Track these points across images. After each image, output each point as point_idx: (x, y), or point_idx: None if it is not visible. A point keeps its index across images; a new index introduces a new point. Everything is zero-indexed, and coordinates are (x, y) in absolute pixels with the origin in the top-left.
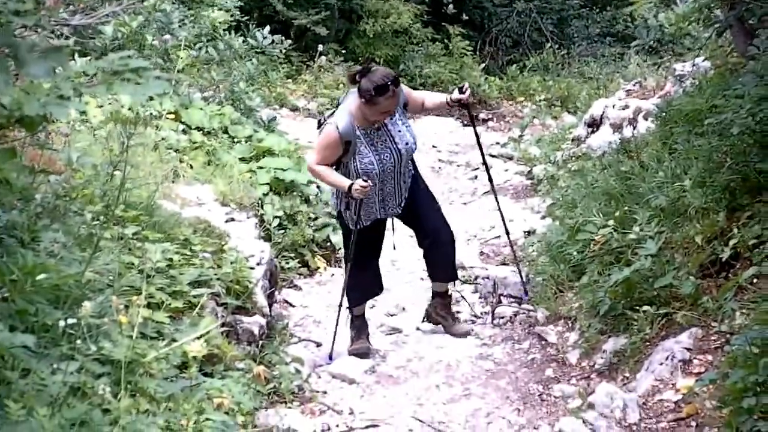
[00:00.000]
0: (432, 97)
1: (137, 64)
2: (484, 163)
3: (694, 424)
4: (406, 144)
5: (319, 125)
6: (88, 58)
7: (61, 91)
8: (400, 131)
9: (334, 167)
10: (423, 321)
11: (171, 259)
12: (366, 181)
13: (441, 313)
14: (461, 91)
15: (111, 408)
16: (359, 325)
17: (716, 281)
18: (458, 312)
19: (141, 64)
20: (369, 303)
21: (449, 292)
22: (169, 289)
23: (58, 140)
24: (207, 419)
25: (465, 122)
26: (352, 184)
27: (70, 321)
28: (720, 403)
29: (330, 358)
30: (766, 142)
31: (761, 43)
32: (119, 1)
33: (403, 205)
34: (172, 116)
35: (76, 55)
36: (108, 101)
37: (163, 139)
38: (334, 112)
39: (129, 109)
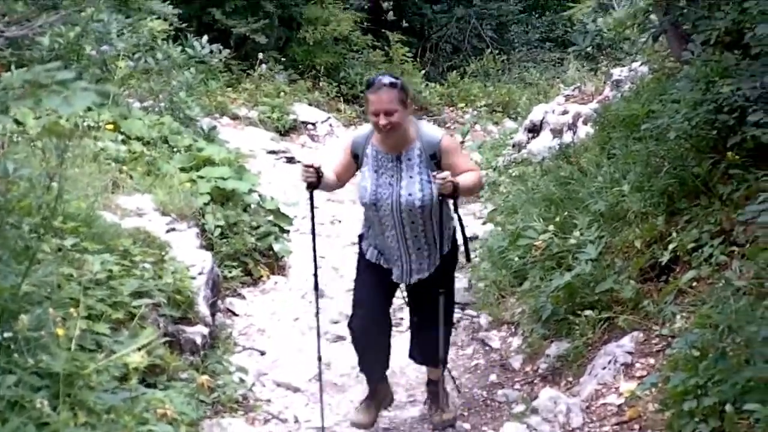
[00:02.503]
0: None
1: (64, 76)
2: (464, 234)
3: (637, 427)
4: (409, 195)
5: None
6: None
7: None
8: (411, 177)
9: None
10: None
11: (111, 270)
12: (312, 162)
13: (429, 398)
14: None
15: (50, 421)
16: (370, 391)
17: (656, 285)
18: (401, 319)
19: (67, 76)
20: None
21: (435, 379)
22: (109, 300)
23: None
24: (150, 430)
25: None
26: None
27: (7, 335)
28: (662, 406)
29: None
30: (703, 147)
31: (695, 48)
32: (56, 12)
33: (410, 282)
34: (111, 126)
35: (12, 67)
36: (46, 112)
37: (102, 149)
38: None
39: (66, 120)
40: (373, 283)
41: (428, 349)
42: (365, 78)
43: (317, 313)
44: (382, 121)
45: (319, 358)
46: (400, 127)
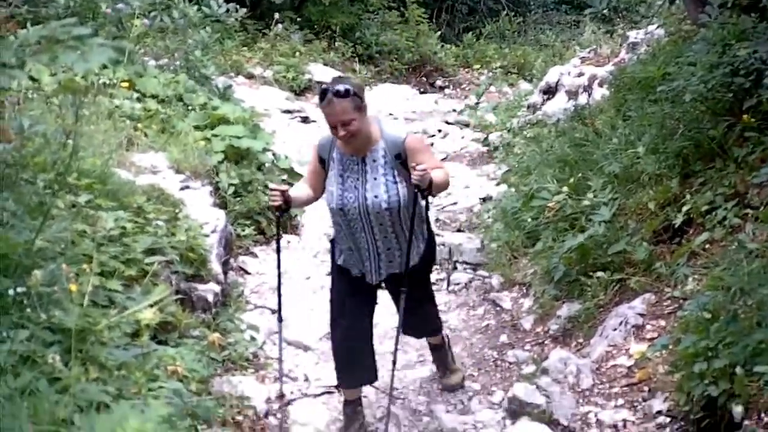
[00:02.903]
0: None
1: (80, 32)
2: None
3: (646, 388)
4: (375, 197)
5: None
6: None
7: (3, 59)
8: (376, 179)
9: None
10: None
11: (124, 227)
12: (278, 186)
13: (435, 362)
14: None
15: (62, 376)
16: (348, 414)
17: (669, 247)
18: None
19: (84, 32)
20: (325, 270)
21: (438, 344)
22: (122, 257)
23: (9, 108)
24: (160, 386)
25: (421, 90)
26: None
27: (20, 289)
28: (672, 368)
29: None
30: (718, 109)
31: (712, 11)
32: None
33: (381, 278)
34: (126, 84)
35: (28, 24)
36: (61, 69)
37: (117, 107)
38: None
39: (82, 77)
40: (350, 291)
41: (420, 325)
42: (380, 38)
43: (279, 335)
44: (341, 132)
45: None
46: (360, 133)
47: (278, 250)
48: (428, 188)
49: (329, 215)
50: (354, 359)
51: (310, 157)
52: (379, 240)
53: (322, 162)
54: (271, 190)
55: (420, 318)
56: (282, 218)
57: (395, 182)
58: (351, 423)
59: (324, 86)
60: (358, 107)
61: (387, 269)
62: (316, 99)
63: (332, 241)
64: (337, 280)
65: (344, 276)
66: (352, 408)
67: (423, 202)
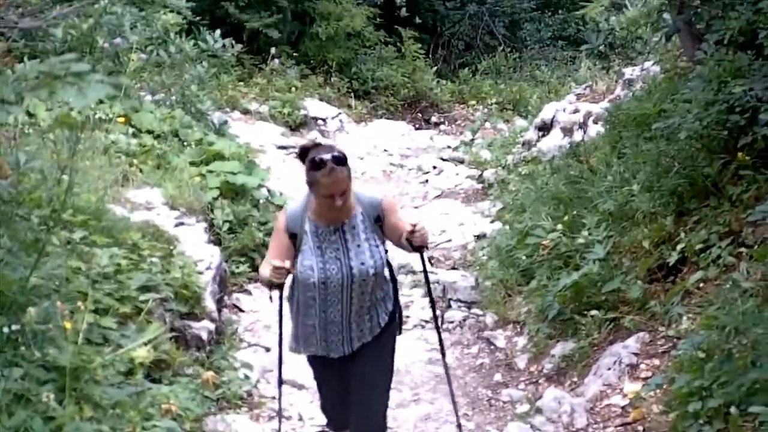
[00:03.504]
0: (401, 219)
1: (79, 68)
2: (436, 322)
3: (641, 428)
4: (362, 264)
5: None
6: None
7: (1, 95)
8: (359, 246)
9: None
10: None
11: (119, 264)
12: (282, 262)
13: None
14: (411, 233)
15: (56, 415)
16: None
17: (663, 285)
18: (407, 317)
19: (83, 68)
20: None
21: None
22: (117, 294)
23: (5, 144)
24: (154, 426)
25: (416, 126)
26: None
27: (14, 327)
28: (666, 408)
29: None
30: (713, 147)
31: (708, 48)
32: (69, 3)
33: (350, 352)
34: (122, 119)
35: (26, 58)
36: (57, 105)
37: (112, 142)
38: None
39: (78, 112)
40: (323, 382)
41: (367, 410)
42: (377, 74)
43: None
44: (338, 201)
45: None
46: (349, 200)
47: (281, 334)
48: (426, 245)
49: (297, 292)
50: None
51: (276, 230)
52: (355, 307)
53: (293, 237)
54: (277, 268)
55: (372, 399)
56: (282, 293)
57: (377, 246)
58: None
59: (319, 156)
60: (350, 174)
61: (359, 339)
62: (311, 135)
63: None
64: (318, 376)
65: (314, 364)
66: None
67: (417, 258)
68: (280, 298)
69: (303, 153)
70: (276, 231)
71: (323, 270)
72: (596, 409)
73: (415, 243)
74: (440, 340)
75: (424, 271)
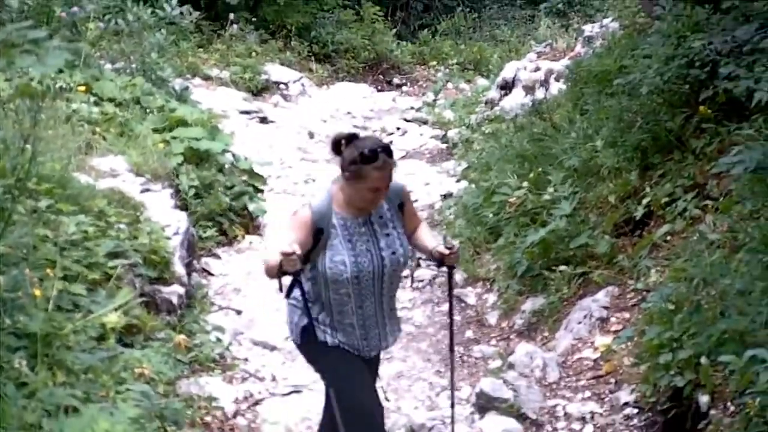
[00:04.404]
0: (424, 233)
1: (36, 35)
2: (451, 346)
3: (612, 380)
4: (393, 253)
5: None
6: None
7: None
8: (388, 234)
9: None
10: None
11: (86, 231)
12: (290, 246)
13: None
14: (448, 249)
15: (28, 381)
16: None
17: (631, 239)
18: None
19: (40, 35)
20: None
21: None
22: (85, 261)
23: None
24: (127, 389)
25: (378, 88)
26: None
27: None
28: (637, 360)
29: None
30: (675, 102)
31: (666, 3)
32: None
33: (387, 346)
34: (83, 88)
35: None
36: (17, 74)
37: (74, 111)
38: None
39: (39, 82)
40: (359, 373)
41: None
42: (336, 37)
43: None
44: (383, 197)
45: None
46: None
47: (309, 315)
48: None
49: (325, 291)
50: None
51: (297, 224)
52: (386, 300)
53: (319, 232)
54: (287, 254)
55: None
56: (301, 280)
57: (403, 233)
58: None
59: (370, 148)
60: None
61: (391, 334)
62: (273, 99)
63: (306, 328)
64: (338, 364)
65: (344, 356)
66: None
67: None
68: (300, 284)
69: (339, 144)
70: (294, 224)
71: (355, 264)
72: (568, 362)
73: (448, 263)
74: (451, 338)
75: (450, 289)
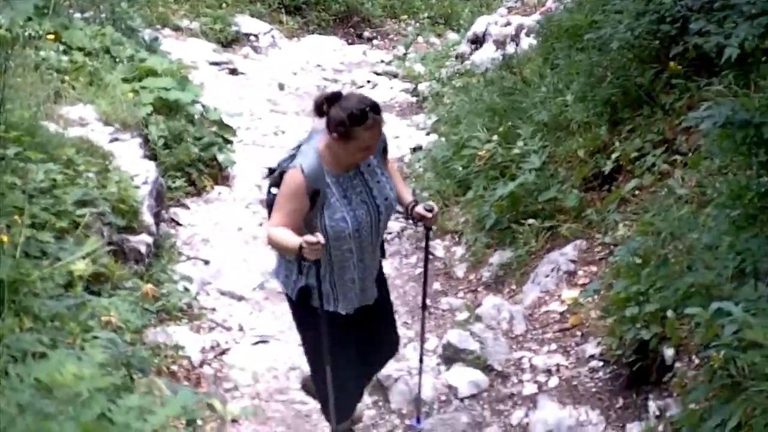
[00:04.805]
0: (399, 183)
1: None
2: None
3: (579, 333)
4: (386, 199)
5: (271, 175)
6: None
7: None
8: (378, 182)
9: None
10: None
11: (54, 179)
12: (316, 236)
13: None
14: (428, 211)
15: None
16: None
17: (599, 194)
18: None
19: None
20: (257, 220)
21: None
22: (53, 209)
23: None
24: (94, 337)
25: (349, 41)
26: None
27: None
28: (604, 313)
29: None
30: (645, 57)
31: None
32: None
33: (378, 290)
34: (52, 37)
35: None
36: None
37: (43, 59)
38: (291, 156)
39: (7, 30)
40: (344, 337)
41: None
42: None
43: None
44: (370, 153)
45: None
46: None
47: (321, 305)
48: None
49: (324, 252)
50: (360, 388)
51: (291, 196)
52: (377, 246)
53: (316, 194)
54: (312, 244)
55: (393, 330)
56: (320, 267)
57: (388, 178)
58: None
59: (359, 108)
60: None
61: (377, 281)
62: (243, 51)
63: (304, 289)
64: (336, 338)
65: (339, 328)
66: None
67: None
68: (318, 273)
69: (322, 105)
70: (291, 195)
71: (355, 218)
72: (535, 315)
73: (427, 224)
74: (424, 297)
75: (426, 250)
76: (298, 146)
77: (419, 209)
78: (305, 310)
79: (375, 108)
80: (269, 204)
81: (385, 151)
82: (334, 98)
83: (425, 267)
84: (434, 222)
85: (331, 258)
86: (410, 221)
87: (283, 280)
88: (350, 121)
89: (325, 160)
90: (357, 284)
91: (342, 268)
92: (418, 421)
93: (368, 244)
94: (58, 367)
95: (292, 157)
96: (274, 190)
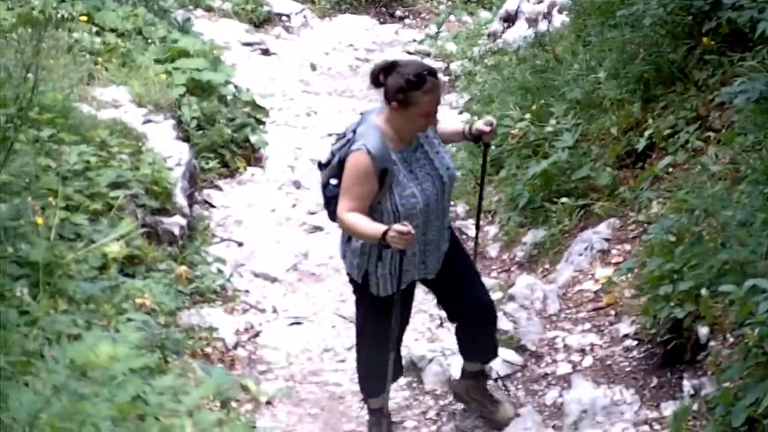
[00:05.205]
0: (448, 121)
1: None
2: (478, 215)
3: (613, 312)
4: (447, 169)
5: (321, 168)
6: None
7: None
8: (437, 152)
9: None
10: (453, 402)
11: (88, 161)
12: (406, 225)
13: (475, 396)
14: (487, 125)
15: (30, 309)
16: (379, 422)
17: (632, 172)
18: None
19: None
20: (290, 202)
21: (486, 372)
22: (87, 191)
23: None
24: (129, 319)
25: (381, 20)
26: (388, 230)
27: None
28: (638, 292)
29: None
30: (678, 33)
31: None
32: None
33: (441, 265)
34: (85, 18)
35: None
36: (19, 3)
37: (76, 41)
38: (347, 141)
39: (40, 11)
40: (396, 319)
41: (491, 340)
42: None
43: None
44: (432, 120)
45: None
46: None
47: (399, 295)
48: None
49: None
50: (399, 364)
51: (361, 179)
52: (444, 223)
53: (384, 173)
54: (404, 234)
55: (492, 329)
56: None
57: (443, 146)
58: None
59: (416, 72)
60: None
61: (445, 247)
62: (275, 31)
63: (365, 277)
64: (372, 317)
65: (382, 307)
66: (381, 415)
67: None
68: (401, 263)
69: (378, 75)
70: (359, 178)
71: (423, 192)
72: (568, 294)
73: (486, 140)
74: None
75: (483, 165)
76: (346, 133)
77: (479, 125)
78: (363, 293)
79: (432, 72)
80: (329, 198)
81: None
82: (391, 67)
83: (481, 185)
84: (492, 137)
85: None
86: (471, 142)
87: (351, 262)
88: (408, 86)
89: (387, 137)
90: (417, 257)
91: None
92: None
93: (435, 218)
94: (92, 349)
95: (348, 142)
96: (334, 182)
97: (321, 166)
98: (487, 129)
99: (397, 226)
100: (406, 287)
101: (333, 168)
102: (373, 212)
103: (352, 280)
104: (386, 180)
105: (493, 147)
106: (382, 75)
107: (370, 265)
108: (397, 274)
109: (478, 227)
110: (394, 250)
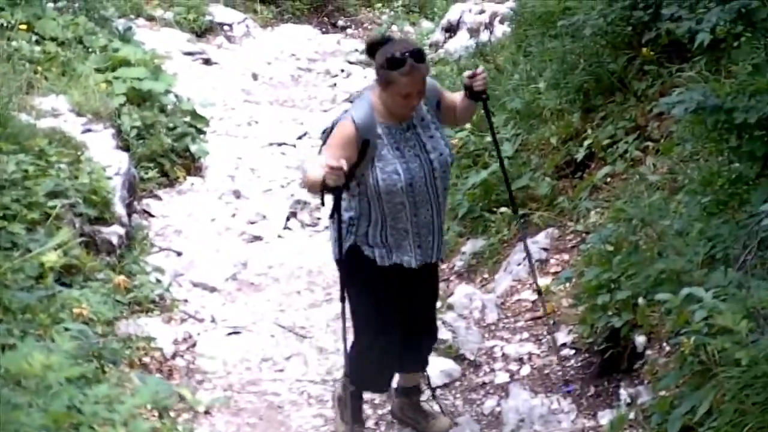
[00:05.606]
0: (455, 98)
1: None
2: (506, 178)
3: (551, 321)
4: (440, 154)
5: (325, 135)
6: None
7: None
8: (432, 137)
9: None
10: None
11: (26, 170)
12: (338, 160)
13: (408, 413)
14: (471, 77)
15: None
16: (354, 408)
17: (571, 181)
18: (318, 219)
19: None
20: (230, 211)
21: (419, 388)
22: (25, 201)
23: None
24: (65, 329)
25: (323, 30)
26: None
27: None
28: (575, 301)
29: None
30: (618, 43)
31: None
32: None
33: (436, 260)
34: (25, 27)
35: None
36: None
37: (15, 50)
38: (344, 112)
39: None
40: (392, 300)
41: (425, 352)
42: None
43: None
44: (416, 101)
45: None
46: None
47: (340, 237)
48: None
49: (377, 204)
50: (387, 372)
51: (341, 142)
52: (441, 203)
53: (365, 145)
54: (333, 168)
55: (431, 328)
56: (341, 197)
57: (442, 133)
58: (357, 418)
59: (397, 52)
60: (428, 69)
61: (440, 247)
62: (217, 40)
63: (354, 247)
64: (378, 288)
65: (385, 280)
66: (358, 403)
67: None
68: (338, 202)
69: (372, 48)
70: (340, 142)
71: (408, 170)
72: (507, 304)
73: (476, 87)
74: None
75: (488, 119)
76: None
77: (465, 80)
78: (353, 261)
79: (415, 54)
80: None
81: (439, 104)
82: (380, 43)
83: (494, 139)
84: (483, 84)
85: (384, 210)
86: (473, 102)
87: (334, 244)
88: (387, 64)
89: (376, 110)
90: (411, 236)
91: (395, 219)
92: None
93: (425, 201)
94: (26, 358)
95: (344, 113)
96: None
97: (322, 133)
98: (471, 75)
99: (327, 160)
100: (404, 271)
101: (328, 133)
102: (358, 185)
103: (339, 263)
104: (368, 152)
105: None
106: (374, 49)
107: (358, 238)
108: (337, 219)
109: (506, 179)
110: (375, 219)
